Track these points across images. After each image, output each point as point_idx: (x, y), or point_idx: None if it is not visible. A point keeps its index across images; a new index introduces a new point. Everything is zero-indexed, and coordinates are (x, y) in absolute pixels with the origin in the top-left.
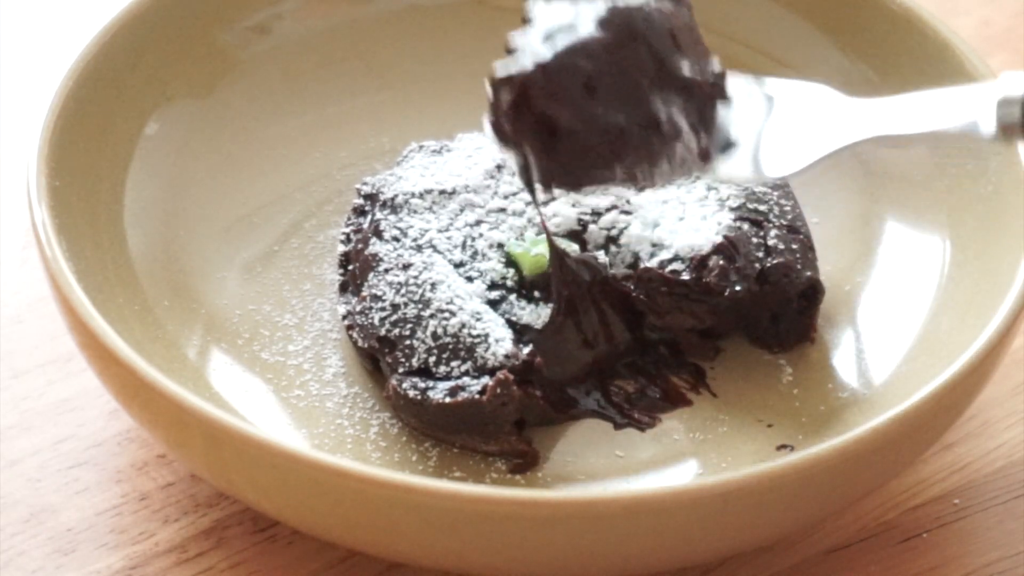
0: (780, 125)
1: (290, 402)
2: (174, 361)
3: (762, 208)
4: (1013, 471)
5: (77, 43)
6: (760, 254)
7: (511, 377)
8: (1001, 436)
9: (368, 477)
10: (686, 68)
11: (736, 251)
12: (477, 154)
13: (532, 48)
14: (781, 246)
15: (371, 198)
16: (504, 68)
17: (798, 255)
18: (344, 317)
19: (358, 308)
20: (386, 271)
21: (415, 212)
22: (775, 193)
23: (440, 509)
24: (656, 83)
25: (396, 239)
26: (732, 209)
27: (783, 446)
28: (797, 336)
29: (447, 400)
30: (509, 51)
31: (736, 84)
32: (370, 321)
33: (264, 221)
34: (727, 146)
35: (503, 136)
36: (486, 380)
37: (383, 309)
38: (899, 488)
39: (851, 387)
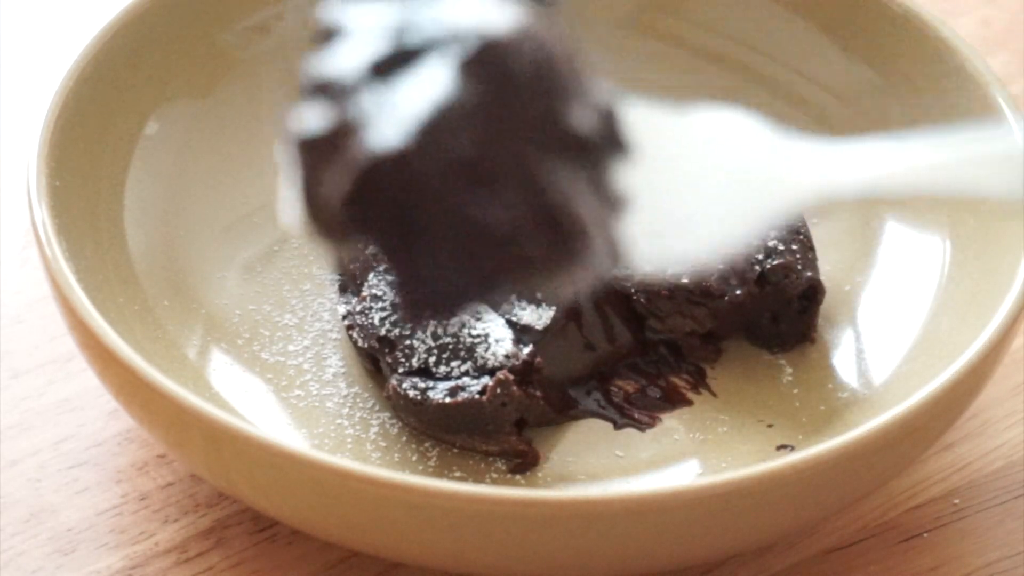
0: (714, 176)
1: (290, 402)
2: (174, 361)
3: None
4: (1013, 471)
5: (77, 43)
6: (760, 255)
7: (511, 377)
8: (1001, 436)
9: (368, 477)
10: (576, 117)
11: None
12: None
13: (367, 95)
14: (781, 247)
15: None
16: (318, 116)
17: (798, 255)
18: (344, 317)
19: (358, 308)
20: (386, 271)
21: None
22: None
23: (440, 509)
24: (545, 148)
25: None
26: None
27: (783, 446)
28: (797, 336)
29: (447, 400)
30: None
31: (640, 120)
32: (370, 321)
33: (264, 221)
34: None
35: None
36: (486, 380)
37: (383, 309)
38: (899, 488)
39: (851, 387)
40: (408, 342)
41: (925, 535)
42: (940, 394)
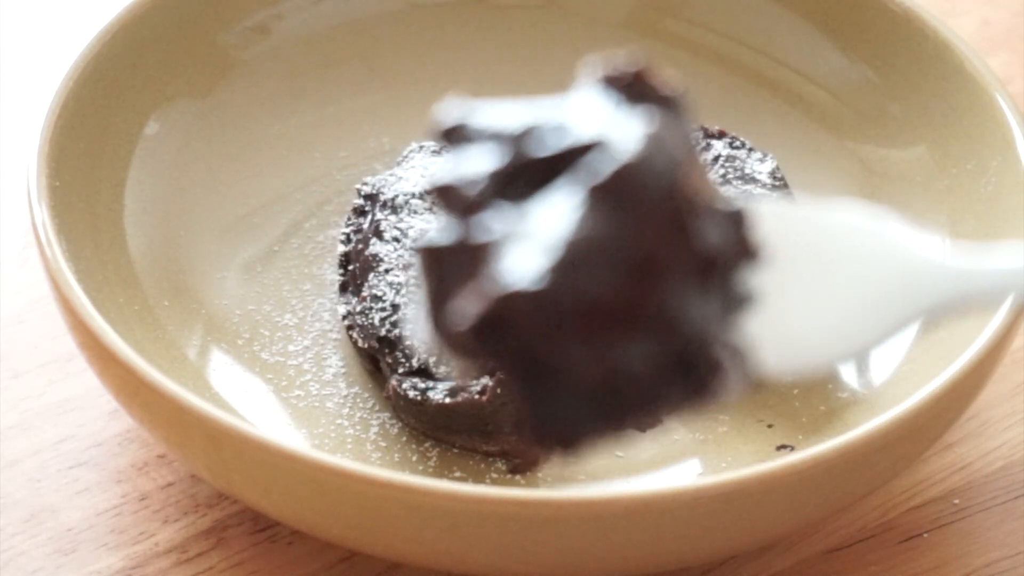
0: (835, 279)
1: (290, 402)
2: (174, 361)
3: None
4: (1013, 471)
5: (77, 43)
6: (783, 199)
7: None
8: (1001, 436)
9: (368, 477)
10: (711, 235)
11: None
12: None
13: (497, 221)
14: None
15: (371, 198)
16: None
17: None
18: (344, 317)
19: (358, 308)
20: (386, 271)
21: (415, 212)
22: (774, 195)
23: (440, 509)
24: (681, 273)
25: (396, 239)
26: None
27: (783, 446)
28: None
29: (447, 400)
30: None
31: (771, 222)
32: (370, 321)
33: (264, 221)
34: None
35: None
36: (486, 380)
37: (383, 309)
38: (899, 488)
39: (851, 387)
40: (408, 342)
41: (925, 535)
42: (940, 394)
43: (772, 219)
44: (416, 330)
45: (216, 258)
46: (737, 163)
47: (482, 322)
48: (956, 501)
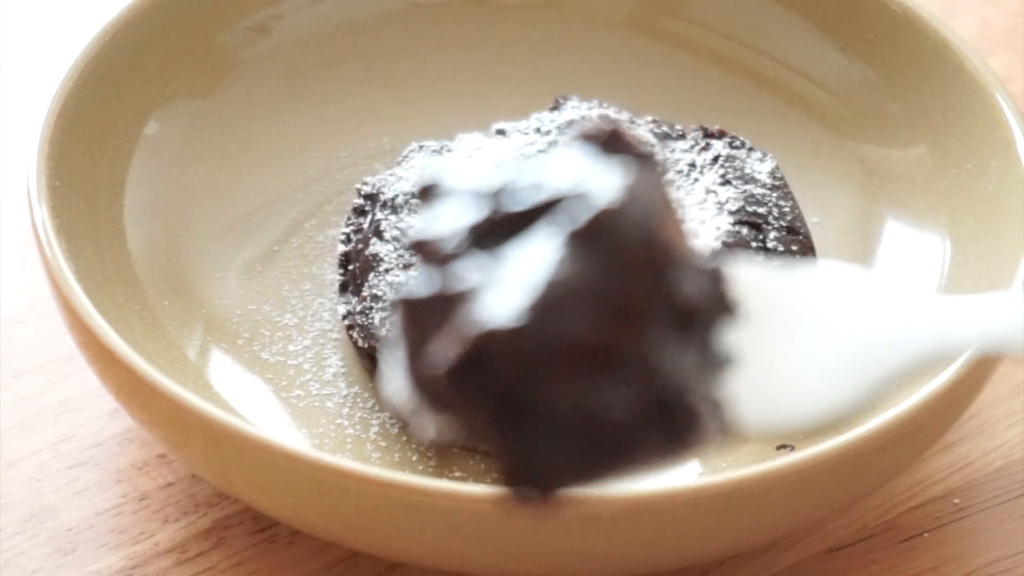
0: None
1: (290, 402)
2: (174, 361)
3: (761, 211)
4: (1013, 471)
5: (77, 43)
6: (760, 258)
7: None
8: (1001, 436)
9: (368, 477)
10: (685, 282)
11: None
12: (477, 154)
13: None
14: (781, 248)
15: (371, 198)
16: (428, 283)
17: (798, 257)
18: (344, 317)
19: (358, 308)
20: (387, 271)
21: (416, 212)
22: (774, 195)
23: (440, 509)
24: (657, 321)
25: (396, 239)
26: (731, 213)
27: (783, 446)
28: None
29: None
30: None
31: (748, 280)
32: (370, 321)
33: (264, 221)
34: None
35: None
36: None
37: (383, 309)
38: (899, 488)
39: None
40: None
41: (925, 535)
42: (940, 394)
43: (749, 277)
44: (391, 385)
45: (216, 258)
46: (737, 163)
47: (460, 363)
48: (956, 501)
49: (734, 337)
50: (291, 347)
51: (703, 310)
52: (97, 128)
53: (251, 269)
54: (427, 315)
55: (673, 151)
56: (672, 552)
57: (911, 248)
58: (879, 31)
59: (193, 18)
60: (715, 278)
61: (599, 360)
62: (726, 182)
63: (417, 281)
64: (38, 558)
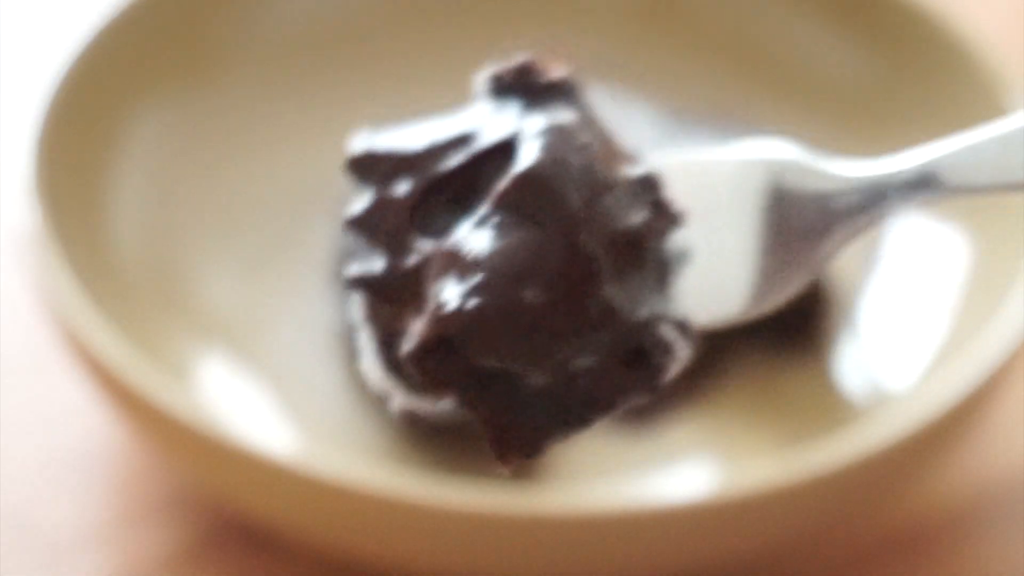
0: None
1: (288, 404)
2: (169, 364)
3: None
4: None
5: (71, 40)
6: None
7: None
8: (1011, 441)
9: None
10: (623, 210)
11: None
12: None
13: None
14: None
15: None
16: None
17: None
18: (345, 316)
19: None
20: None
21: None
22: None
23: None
24: (608, 258)
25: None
26: None
27: (784, 446)
28: (800, 337)
29: None
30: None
31: (675, 175)
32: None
33: (262, 221)
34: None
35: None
36: None
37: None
38: (916, 496)
39: (854, 390)
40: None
41: (931, 541)
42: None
43: (676, 171)
44: (365, 365)
45: (213, 259)
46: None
47: (424, 348)
48: (965, 507)
49: (680, 239)
50: (290, 347)
51: (648, 230)
52: (91, 127)
53: (249, 269)
54: (385, 293)
55: None
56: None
57: (920, 243)
58: (891, 22)
59: (192, 16)
60: (650, 186)
61: (558, 319)
62: None
63: (366, 260)
64: (28, 565)
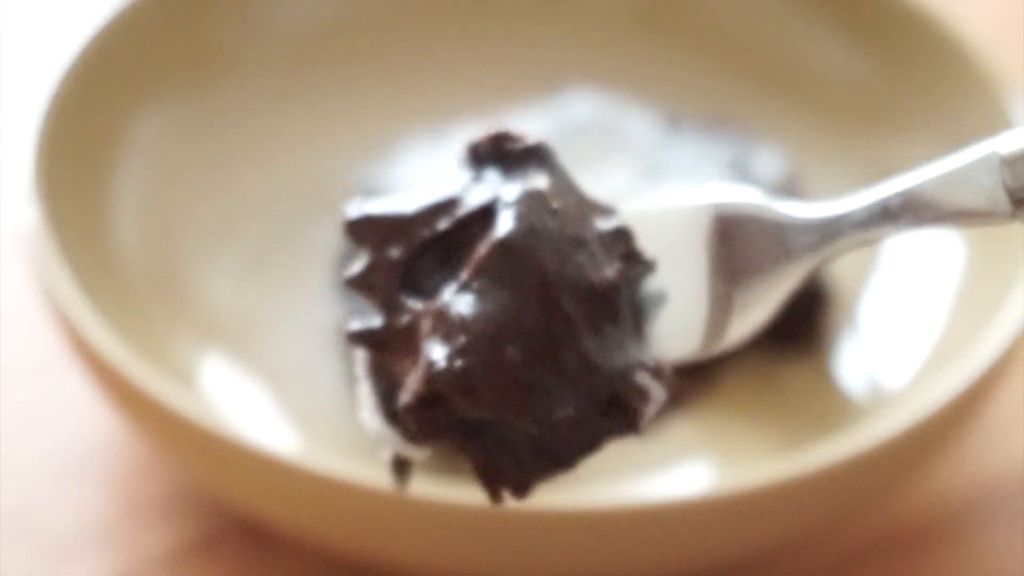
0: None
1: (289, 404)
2: (169, 363)
3: None
4: (1018, 476)
5: (73, 41)
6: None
7: None
8: (1007, 439)
9: (364, 485)
10: (602, 267)
11: None
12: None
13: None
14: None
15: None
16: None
17: None
18: (345, 317)
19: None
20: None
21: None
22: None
23: (437, 517)
24: (583, 310)
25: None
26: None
27: (784, 446)
28: (800, 337)
29: None
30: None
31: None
32: None
33: (263, 221)
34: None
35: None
36: None
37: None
38: (912, 494)
39: (853, 389)
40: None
41: (928, 540)
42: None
43: (634, 220)
44: (365, 414)
45: (215, 258)
46: (742, 161)
47: (419, 400)
48: (959, 505)
49: (651, 284)
50: (290, 347)
51: (621, 280)
52: (92, 128)
53: (249, 269)
54: (384, 347)
55: None
56: (671, 559)
57: (920, 244)
58: (890, 25)
59: (191, 16)
60: (620, 237)
61: (538, 374)
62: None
63: (364, 316)
64: (30, 562)
